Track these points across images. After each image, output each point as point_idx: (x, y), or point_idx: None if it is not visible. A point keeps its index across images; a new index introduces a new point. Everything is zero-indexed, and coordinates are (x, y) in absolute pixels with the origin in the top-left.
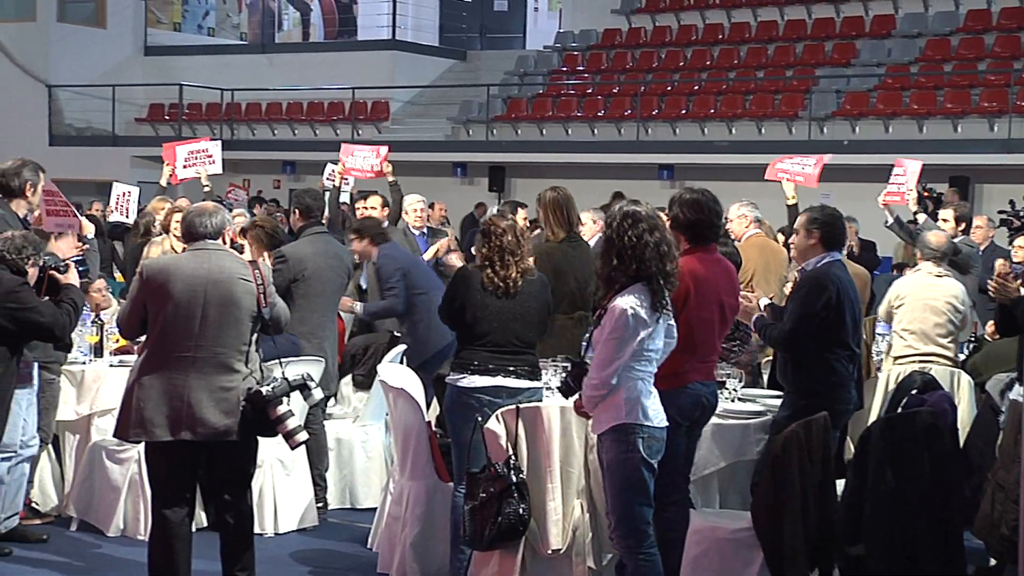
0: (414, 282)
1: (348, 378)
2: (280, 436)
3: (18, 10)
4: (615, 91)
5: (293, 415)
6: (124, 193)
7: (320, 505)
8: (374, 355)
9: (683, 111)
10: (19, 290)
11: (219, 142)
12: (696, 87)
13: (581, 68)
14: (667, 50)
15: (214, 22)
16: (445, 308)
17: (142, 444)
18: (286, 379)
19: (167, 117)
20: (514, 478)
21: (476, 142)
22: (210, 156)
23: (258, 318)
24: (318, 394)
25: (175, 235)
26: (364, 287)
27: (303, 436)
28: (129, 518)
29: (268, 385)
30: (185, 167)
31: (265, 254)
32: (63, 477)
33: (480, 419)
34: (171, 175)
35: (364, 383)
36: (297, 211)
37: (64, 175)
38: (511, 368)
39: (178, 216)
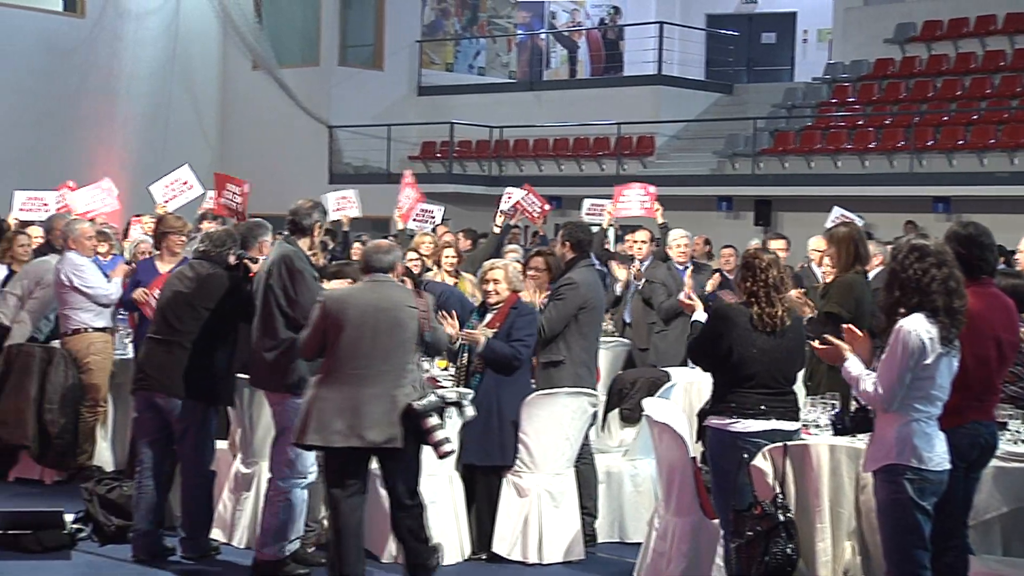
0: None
1: (615, 412)
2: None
3: (303, 56)
4: (887, 122)
5: (443, 428)
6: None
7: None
8: (641, 389)
9: (960, 141)
10: (241, 287)
11: (525, 191)
12: (975, 116)
13: (852, 99)
14: (943, 79)
15: (484, 61)
16: (707, 347)
17: None
18: (441, 396)
19: (438, 155)
20: (782, 517)
21: (742, 176)
22: (509, 198)
23: (421, 341)
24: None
25: (446, 269)
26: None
27: (449, 447)
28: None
29: (422, 401)
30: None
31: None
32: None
33: (746, 456)
34: (401, 216)
35: (631, 417)
36: (568, 244)
37: (359, 213)
38: (781, 409)
39: (448, 252)
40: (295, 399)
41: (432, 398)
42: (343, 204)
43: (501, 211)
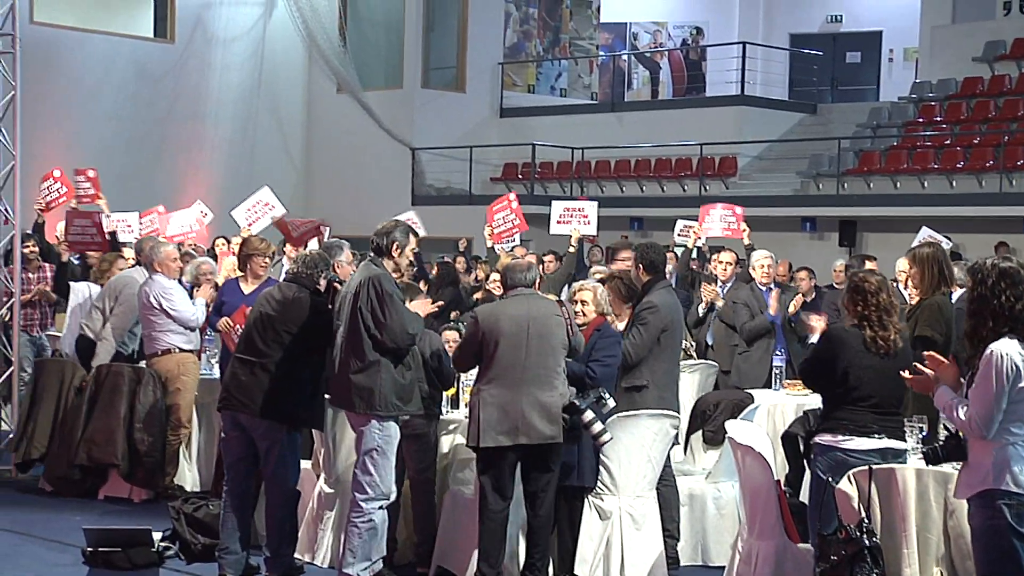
0: None
1: (698, 434)
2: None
3: (387, 79)
4: (976, 141)
5: (598, 420)
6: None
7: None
8: (724, 411)
9: None
10: (326, 311)
11: (595, 203)
12: None
13: (939, 119)
14: None
15: (566, 83)
16: (818, 368)
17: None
18: (586, 393)
19: (520, 176)
20: (867, 542)
21: (826, 196)
22: (585, 216)
23: (568, 346)
24: (611, 403)
25: None
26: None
27: (607, 436)
28: None
29: (577, 399)
30: (558, 223)
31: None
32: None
33: (830, 479)
34: (491, 235)
35: (714, 439)
36: (641, 266)
37: (424, 233)
38: (892, 429)
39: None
40: (378, 421)
41: (586, 396)
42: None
43: (576, 230)
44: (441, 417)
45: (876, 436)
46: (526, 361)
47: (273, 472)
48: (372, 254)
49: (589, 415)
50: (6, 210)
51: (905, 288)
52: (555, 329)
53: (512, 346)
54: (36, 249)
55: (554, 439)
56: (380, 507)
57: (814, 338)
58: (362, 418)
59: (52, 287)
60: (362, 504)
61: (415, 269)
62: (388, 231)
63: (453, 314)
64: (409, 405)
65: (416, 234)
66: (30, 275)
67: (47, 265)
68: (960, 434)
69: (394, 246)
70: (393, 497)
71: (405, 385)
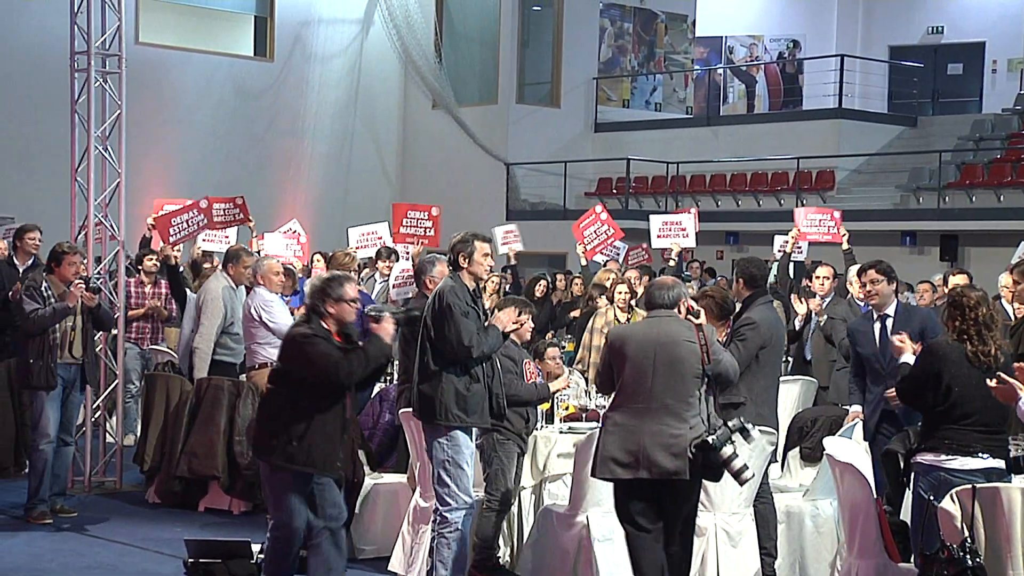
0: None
1: (796, 451)
2: (731, 477)
3: (482, 95)
4: None
5: (738, 456)
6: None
7: None
8: (822, 428)
9: None
10: (296, 348)
11: (692, 214)
12: None
13: None
14: None
15: (661, 97)
16: (924, 385)
17: (589, 510)
18: (727, 426)
19: (614, 191)
20: (970, 562)
21: (926, 210)
22: (683, 229)
23: (703, 374)
24: (756, 434)
25: (618, 305)
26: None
27: (749, 474)
28: None
29: (713, 433)
30: (659, 237)
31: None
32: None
33: (932, 499)
34: (585, 252)
35: (811, 456)
36: (741, 280)
37: (521, 247)
38: (995, 447)
39: (621, 288)
40: (443, 431)
41: (722, 429)
42: (509, 238)
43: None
44: (533, 432)
45: (980, 456)
46: (652, 389)
47: (271, 512)
48: (451, 268)
49: (728, 451)
50: (113, 227)
51: (1010, 304)
52: (685, 356)
53: (638, 372)
54: (157, 263)
55: (677, 475)
56: (465, 515)
57: (903, 358)
58: (429, 429)
59: (169, 299)
60: (447, 516)
61: (510, 284)
62: (453, 244)
63: (549, 334)
64: (472, 416)
65: (485, 239)
66: (146, 289)
67: (163, 281)
68: None
69: (461, 257)
70: (472, 501)
71: (468, 396)
